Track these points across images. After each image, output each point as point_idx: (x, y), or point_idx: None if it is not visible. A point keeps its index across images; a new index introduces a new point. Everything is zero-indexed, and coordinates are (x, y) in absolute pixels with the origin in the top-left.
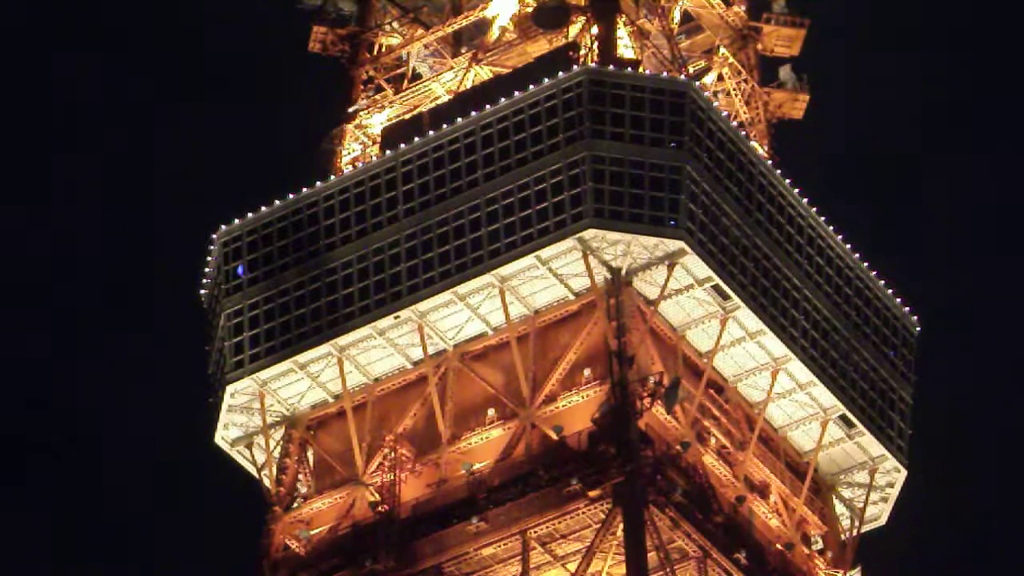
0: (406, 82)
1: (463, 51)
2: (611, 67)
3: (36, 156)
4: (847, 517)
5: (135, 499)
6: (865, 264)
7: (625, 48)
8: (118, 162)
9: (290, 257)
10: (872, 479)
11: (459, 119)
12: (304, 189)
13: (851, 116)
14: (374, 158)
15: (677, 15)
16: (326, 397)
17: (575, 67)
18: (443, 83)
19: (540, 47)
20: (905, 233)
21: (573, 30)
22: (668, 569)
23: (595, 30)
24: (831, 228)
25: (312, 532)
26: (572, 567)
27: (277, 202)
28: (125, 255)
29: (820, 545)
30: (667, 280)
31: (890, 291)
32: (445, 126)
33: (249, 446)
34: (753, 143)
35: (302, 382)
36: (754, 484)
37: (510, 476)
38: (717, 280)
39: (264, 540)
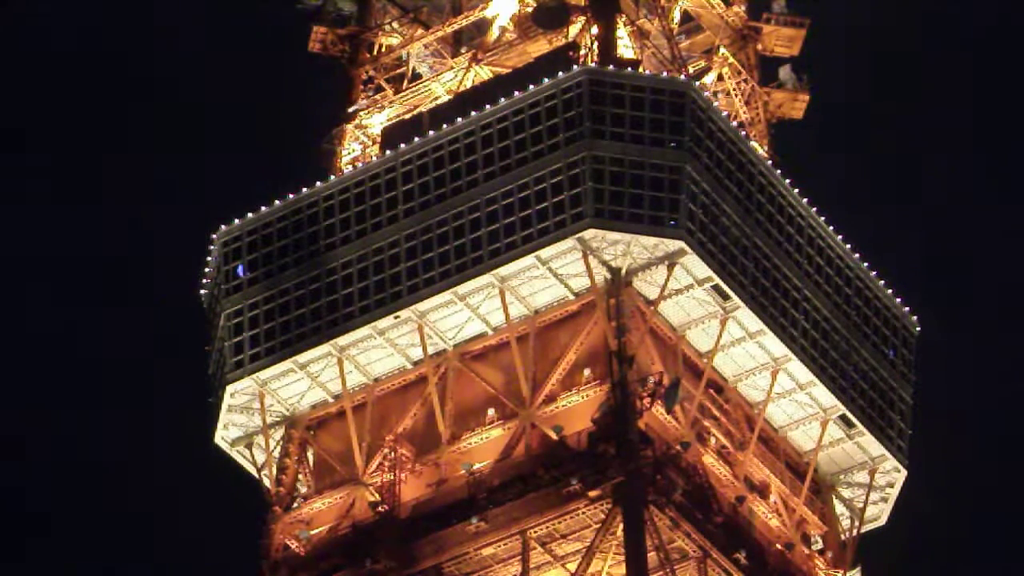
0: (406, 82)
1: (463, 51)
2: (611, 67)
3: (36, 155)
4: (847, 517)
5: (135, 499)
6: (865, 264)
7: (625, 48)
8: (118, 161)
9: (290, 257)
10: (872, 479)
11: (459, 119)
12: (304, 189)
13: (851, 115)
14: (374, 158)
15: (677, 15)
16: (326, 397)
17: (575, 67)
18: (443, 83)
19: (540, 47)
20: (905, 233)
21: (573, 30)
22: (668, 569)
23: (595, 30)
24: (831, 228)
25: (312, 532)
26: (572, 567)
27: (277, 202)
28: (125, 255)
29: (820, 545)
30: (667, 280)
31: (890, 291)
32: (445, 126)
33: (249, 446)
34: (753, 143)
35: (302, 382)
36: (754, 484)
37: (510, 476)
38: (717, 280)
39: (264, 540)
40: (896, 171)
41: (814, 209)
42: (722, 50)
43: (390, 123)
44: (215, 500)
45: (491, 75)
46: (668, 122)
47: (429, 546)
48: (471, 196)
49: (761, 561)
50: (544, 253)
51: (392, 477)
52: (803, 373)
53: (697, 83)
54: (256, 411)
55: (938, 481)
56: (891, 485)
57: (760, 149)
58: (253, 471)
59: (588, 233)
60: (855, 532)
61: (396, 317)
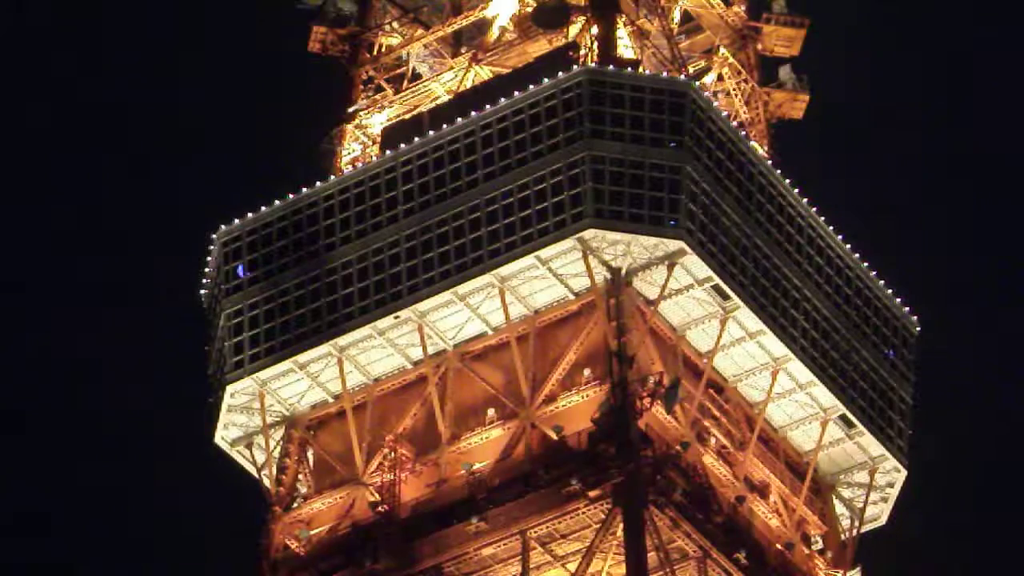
0: (406, 82)
1: (463, 51)
2: (611, 67)
3: (37, 155)
4: (847, 517)
5: (135, 499)
6: (865, 264)
7: (625, 48)
8: (118, 162)
9: (290, 257)
10: (872, 479)
11: (459, 119)
12: (304, 189)
13: (851, 115)
14: (374, 158)
15: (677, 15)
16: (326, 397)
17: (575, 67)
18: (443, 83)
19: (540, 47)
20: (905, 233)
21: (573, 30)
22: (668, 569)
23: (595, 30)
24: (831, 228)
25: (312, 532)
26: (572, 567)
27: (277, 202)
28: (125, 255)
29: (820, 545)
30: (667, 280)
31: (890, 291)
32: (445, 126)
33: (249, 446)
34: (753, 143)
35: (302, 382)
36: (754, 484)
37: (510, 476)
38: (717, 280)
39: (264, 540)
40: (896, 171)
41: (814, 209)
42: (722, 50)
43: (390, 123)
44: (215, 500)
45: (491, 75)
46: (668, 122)
47: (429, 546)
48: (471, 196)
49: (761, 561)
50: (544, 253)
51: (392, 477)
52: (803, 373)
53: (697, 83)
54: (256, 411)
55: (938, 481)
56: (891, 485)
57: (760, 149)
58: (253, 471)
59: (588, 233)
60: (855, 532)
61: (396, 317)
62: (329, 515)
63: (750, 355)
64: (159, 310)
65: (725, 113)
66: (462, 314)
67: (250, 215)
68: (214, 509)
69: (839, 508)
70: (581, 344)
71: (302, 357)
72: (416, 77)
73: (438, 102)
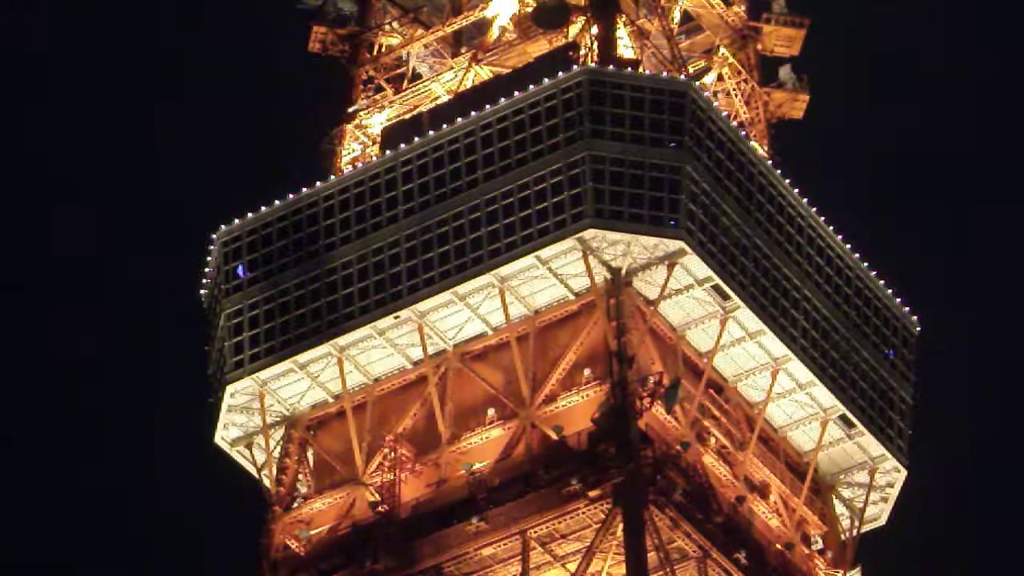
0: (406, 82)
1: (463, 51)
2: (611, 67)
3: (36, 155)
4: (847, 517)
5: (135, 499)
6: (865, 264)
7: (625, 48)
8: (118, 162)
9: (290, 257)
10: (872, 479)
11: (459, 119)
12: (304, 189)
13: (851, 116)
14: (374, 158)
15: (677, 15)
16: (326, 397)
17: (575, 67)
18: (443, 83)
19: (540, 47)
20: (905, 233)
21: (573, 30)
22: (668, 569)
23: (595, 30)
24: (831, 228)
25: (312, 532)
26: (572, 567)
27: (277, 202)
28: (125, 255)
29: (820, 545)
30: (667, 280)
31: (890, 291)
32: (445, 126)
33: (249, 446)
34: (753, 143)
35: (302, 382)
36: (754, 484)
37: (510, 476)
38: (717, 280)
39: (264, 540)
40: (896, 171)
41: (814, 209)
42: (722, 50)
43: (390, 123)
44: (215, 500)
45: (491, 75)
46: (668, 122)
47: (429, 546)
48: (471, 196)
49: (761, 561)
50: (544, 253)
51: (392, 477)
52: (803, 373)
53: (697, 83)
54: (256, 411)
55: (938, 481)
56: (891, 485)
57: (760, 149)
58: (253, 471)
59: (588, 233)
60: (855, 532)
61: (396, 317)
62: (329, 515)
63: (750, 355)
64: (159, 310)
65: (725, 113)
66: (462, 314)
67: (250, 215)
68: (214, 509)
69: (839, 508)
70: (581, 344)
71: (302, 357)
72: (416, 77)
73: (438, 102)
